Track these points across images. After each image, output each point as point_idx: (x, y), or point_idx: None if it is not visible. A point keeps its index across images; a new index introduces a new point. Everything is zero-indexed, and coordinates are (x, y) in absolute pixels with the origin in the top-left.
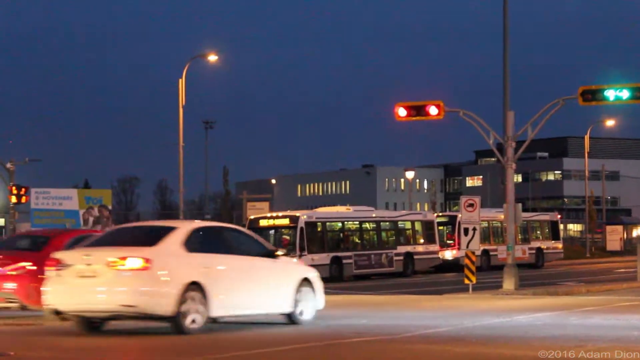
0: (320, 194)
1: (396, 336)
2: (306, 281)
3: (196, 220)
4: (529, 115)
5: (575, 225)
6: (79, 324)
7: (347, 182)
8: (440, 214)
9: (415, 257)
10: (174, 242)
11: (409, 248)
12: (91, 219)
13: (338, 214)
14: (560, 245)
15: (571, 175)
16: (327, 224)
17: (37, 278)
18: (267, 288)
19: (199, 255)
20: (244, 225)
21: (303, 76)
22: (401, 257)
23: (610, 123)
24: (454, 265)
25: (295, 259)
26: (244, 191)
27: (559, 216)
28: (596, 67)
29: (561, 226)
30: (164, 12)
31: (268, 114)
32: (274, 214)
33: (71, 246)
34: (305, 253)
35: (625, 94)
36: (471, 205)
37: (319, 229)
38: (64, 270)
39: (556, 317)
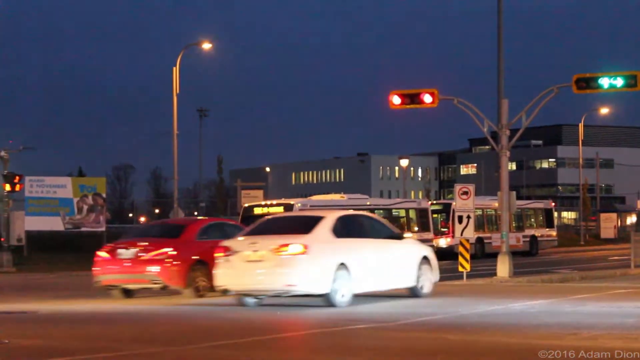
0: (315, 182)
1: (391, 324)
2: (425, 259)
3: (339, 210)
4: (524, 104)
5: (570, 213)
6: (241, 301)
7: (342, 170)
8: (435, 201)
9: None
10: (324, 229)
11: None
12: (85, 207)
13: (332, 201)
14: (554, 233)
15: (565, 163)
16: None
17: (176, 261)
18: (396, 266)
19: (344, 240)
20: (238, 213)
21: (299, 64)
22: None
23: (604, 111)
24: (448, 253)
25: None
26: (238, 179)
27: (553, 204)
28: (596, 59)
29: (555, 214)
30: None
31: (263, 102)
32: (268, 202)
33: (203, 233)
34: None
35: (619, 81)
36: (465, 193)
37: None
38: (232, 256)
39: (550, 304)
